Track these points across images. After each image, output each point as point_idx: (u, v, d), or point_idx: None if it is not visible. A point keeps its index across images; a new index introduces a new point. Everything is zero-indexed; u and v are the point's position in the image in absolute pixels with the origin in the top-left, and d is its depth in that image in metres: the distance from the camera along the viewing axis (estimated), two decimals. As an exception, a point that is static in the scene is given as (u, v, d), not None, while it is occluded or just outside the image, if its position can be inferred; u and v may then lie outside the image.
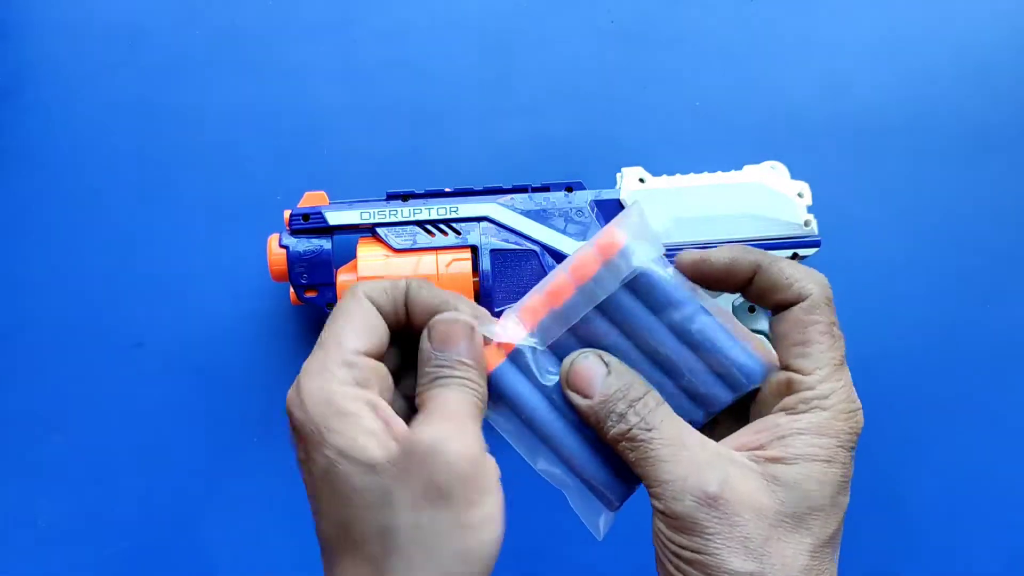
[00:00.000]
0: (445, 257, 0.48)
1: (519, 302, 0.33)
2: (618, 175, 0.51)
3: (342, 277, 0.49)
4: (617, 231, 0.32)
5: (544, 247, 0.49)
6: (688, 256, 0.32)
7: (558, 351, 0.33)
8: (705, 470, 0.28)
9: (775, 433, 0.29)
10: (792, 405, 0.30)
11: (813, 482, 0.28)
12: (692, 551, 0.28)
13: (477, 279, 0.49)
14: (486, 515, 0.28)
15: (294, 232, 0.49)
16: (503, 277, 0.48)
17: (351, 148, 0.55)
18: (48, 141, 0.55)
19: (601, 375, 0.31)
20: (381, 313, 0.31)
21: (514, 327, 0.33)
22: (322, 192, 0.50)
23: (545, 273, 0.49)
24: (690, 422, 0.31)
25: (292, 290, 0.49)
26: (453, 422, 0.29)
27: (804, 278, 0.31)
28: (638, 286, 0.31)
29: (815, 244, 0.50)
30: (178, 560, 0.52)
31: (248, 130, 0.55)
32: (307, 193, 0.50)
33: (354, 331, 0.30)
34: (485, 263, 0.48)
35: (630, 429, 0.30)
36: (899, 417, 0.53)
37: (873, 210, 0.54)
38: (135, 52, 0.56)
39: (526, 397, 0.32)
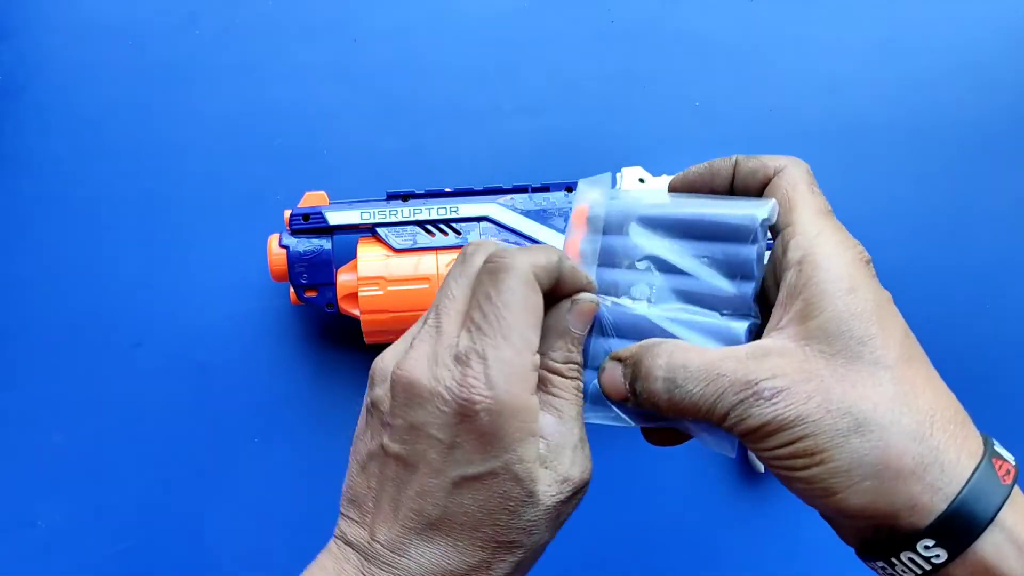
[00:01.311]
0: (445, 257, 0.48)
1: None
2: (618, 175, 0.51)
3: (342, 277, 0.49)
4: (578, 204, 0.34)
5: (544, 247, 0.49)
6: (674, 178, 0.34)
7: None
8: (751, 380, 0.28)
9: (791, 294, 0.29)
10: (796, 260, 0.29)
11: (847, 317, 0.28)
12: (788, 446, 0.27)
13: (477, 279, 0.48)
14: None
15: (294, 232, 0.49)
16: (503, 277, 0.48)
17: (351, 148, 0.55)
18: (48, 141, 0.55)
19: (619, 374, 0.31)
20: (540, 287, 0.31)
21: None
22: (322, 192, 0.50)
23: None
24: (744, 295, 0.31)
25: (292, 290, 0.49)
26: (587, 457, 0.31)
27: (778, 157, 0.32)
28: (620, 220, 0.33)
29: (815, 244, 0.50)
30: (178, 560, 0.52)
31: (248, 130, 0.55)
32: (307, 193, 0.50)
33: (534, 325, 0.30)
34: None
35: (663, 396, 0.29)
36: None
37: (873, 210, 0.54)
38: (135, 52, 0.56)
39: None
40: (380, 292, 0.47)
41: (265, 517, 0.52)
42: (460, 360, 0.29)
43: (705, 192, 0.34)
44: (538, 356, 0.30)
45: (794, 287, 0.29)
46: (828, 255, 0.29)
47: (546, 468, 0.29)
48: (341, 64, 0.56)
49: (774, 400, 0.27)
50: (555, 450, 0.30)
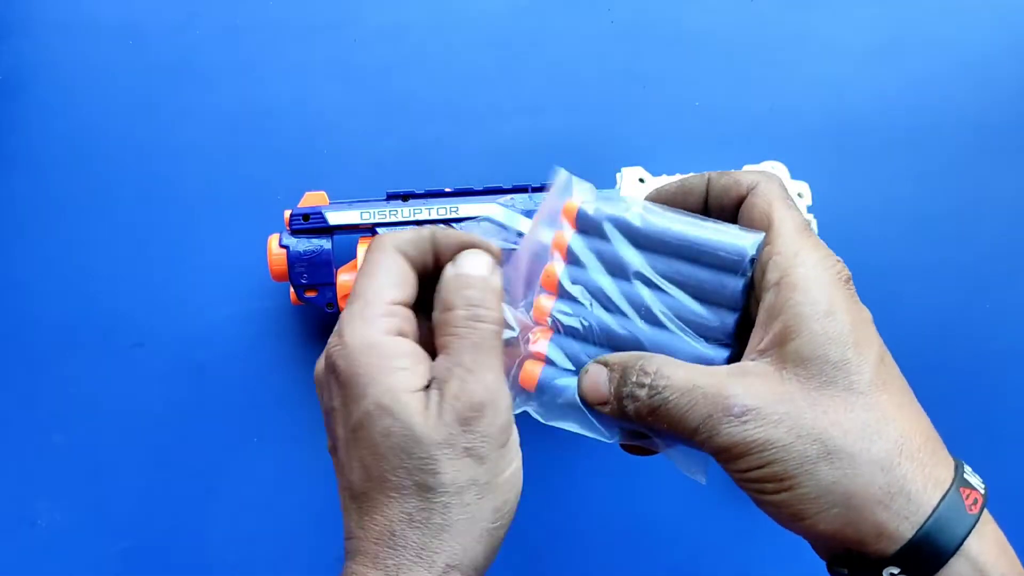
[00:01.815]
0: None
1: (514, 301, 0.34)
2: (618, 175, 0.51)
3: (342, 277, 0.49)
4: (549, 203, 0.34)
5: (544, 247, 0.49)
6: (648, 195, 0.34)
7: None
8: (724, 396, 0.28)
9: (770, 315, 0.29)
10: (774, 282, 0.29)
11: (823, 341, 0.28)
12: (757, 469, 0.28)
13: (477, 279, 0.48)
14: (514, 472, 0.30)
15: (294, 232, 0.49)
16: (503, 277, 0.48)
17: (351, 148, 0.55)
18: (48, 141, 0.55)
19: (604, 379, 0.31)
20: (410, 264, 0.32)
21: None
22: (322, 192, 0.50)
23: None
24: (725, 326, 0.32)
25: (292, 290, 0.49)
26: (490, 382, 0.29)
27: (750, 173, 0.32)
28: (594, 226, 0.33)
29: (815, 244, 0.50)
30: (178, 560, 0.52)
31: (248, 130, 0.55)
32: (307, 193, 0.50)
33: (391, 282, 0.31)
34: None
35: (646, 402, 0.29)
36: (899, 417, 0.53)
37: (873, 210, 0.54)
38: (135, 52, 0.56)
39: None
40: (380, 292, 0.47)
41: (265, 517, 0.52)
42: (333, 335, 0.30)
43: (676, 200, 0.34)
44: (397, 305, 0.30)
45: (772, 309, 0.29)
46: (806, 276, 0.29)
47: (427, 395, 0.29)
48: (341, 64, 0.56)
49: (744, 419, 0.28)
50: (441, 378, 0.29)
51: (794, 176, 0.51)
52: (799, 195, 0.50)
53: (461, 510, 0.28)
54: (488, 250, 0.32)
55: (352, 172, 0.55)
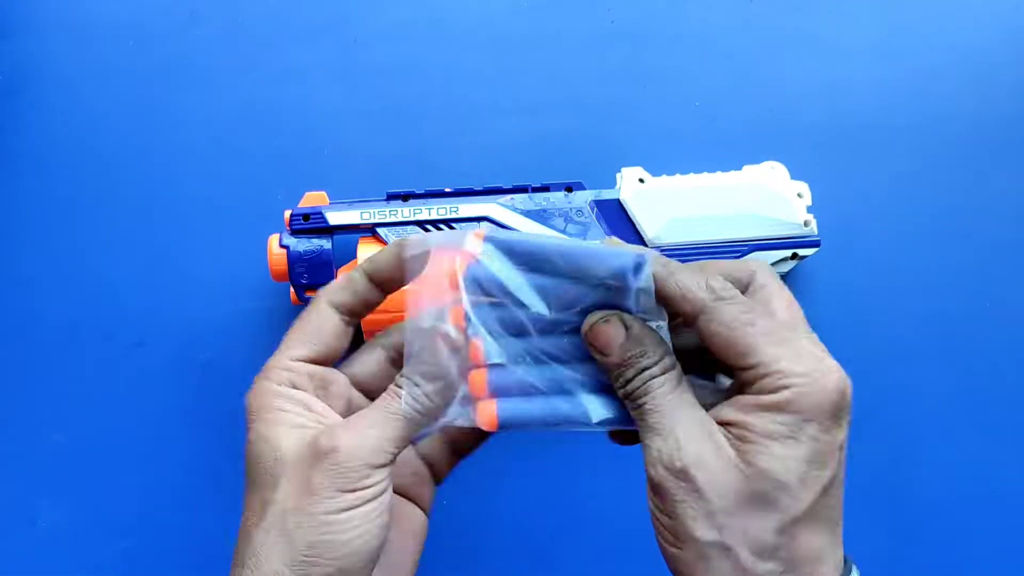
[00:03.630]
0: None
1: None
2: (618, 175, 0.51)
3: (342, 277, 0.49)
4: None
5: (544, 247, 0.49)
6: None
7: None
8: (684, 445, 0.30)
9: (744, 409, 0.30)
10: (757, 386, 0.30)
11: (774, 461, 0.29)
12: (664, 514, 0.30)
13: (477, 279, 0.49)
14: (350, 516, 0.30)
15: (294, 232, 0.49)
16: (503, 277, 0.48)
17: (351, 148, 0.55)
18: (48, 140, 0.56)
19: (620, 338, 0.32)
20: (345, 310, 0.35)
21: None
22: (322, 192, 0.50)
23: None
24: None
25: (292, 290, 0.49)
26: (352, 432, 0.31)
27: (688, 285, 0.32)
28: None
29: (815, 244, 0.50)
30: (178, 560, 0.52)
31: (248, 130, 0.55)
32: (307, 193, 0.50)
33: (299, 339, 0.35)
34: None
35: (633, 393, 0.32)
36: (899, 417, 0.53)
37: (873, 210, 0.54)
38: (136, 51, 0.56)
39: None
40: (380, 292, 0.47)
41: (265, 517, 0.52)
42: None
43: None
44: (293, 359, 0.34)
45: (749, 408, 0.30)
46: (782, 407, 0.30)
47: (301, 432, 0.32)
48: (341, 64, 0.56)
49: (680, 485, 0.30)
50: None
51: (794, 176, 0.51)
52: (799, 195, 0.50)
53: (280, 534, 0.31)
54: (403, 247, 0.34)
55: (352, 172, 0.55)
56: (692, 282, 0.31)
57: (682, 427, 0.30)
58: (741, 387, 0.31)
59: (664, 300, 0.32)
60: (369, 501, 0.31)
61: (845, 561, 0.31)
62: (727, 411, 0.31)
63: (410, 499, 0.38)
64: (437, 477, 0.39)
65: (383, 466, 0.31)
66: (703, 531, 0.29)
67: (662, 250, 0.49)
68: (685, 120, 0.55)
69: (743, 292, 0.33)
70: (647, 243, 0.49)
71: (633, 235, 0.50)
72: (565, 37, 0.56)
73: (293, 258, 0.48)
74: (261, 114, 0.55)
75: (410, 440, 0.33)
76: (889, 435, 0.52)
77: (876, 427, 0.52)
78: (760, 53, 0.56)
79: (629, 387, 0.32)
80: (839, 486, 0.31)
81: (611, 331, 0.32)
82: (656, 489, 0.31)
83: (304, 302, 0.49)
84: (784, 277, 0.51)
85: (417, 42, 0.56)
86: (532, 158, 0.55)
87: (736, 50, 0.56)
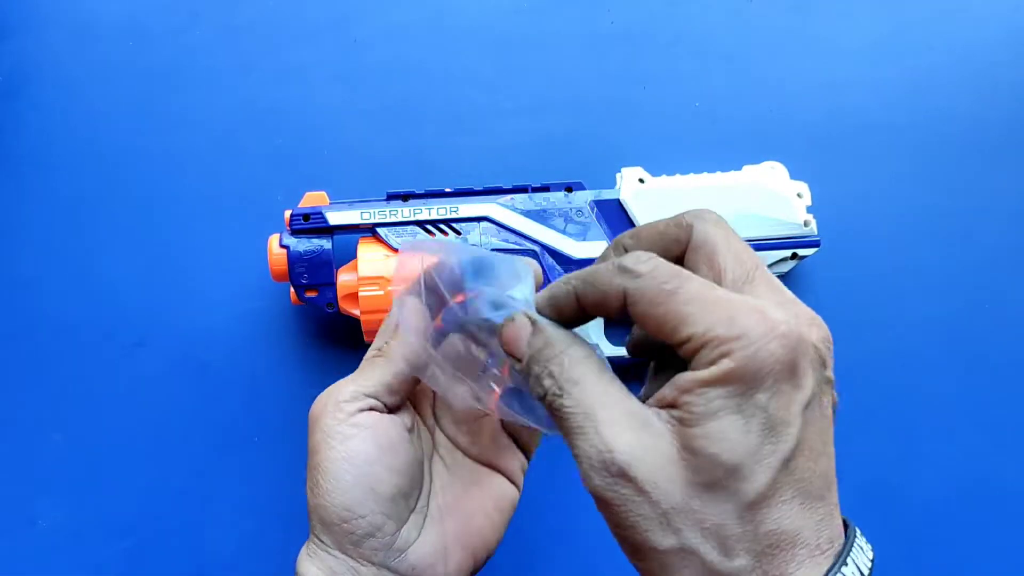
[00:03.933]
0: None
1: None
2: (618, 175, 0.51)
3: (342, 277, 0.49)
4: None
5: (544, 247, 0.49)
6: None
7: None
8: (614, 442, 0.26)
9: (682, 388, 0.26)
10: (694, 361, 0.26)
11: (720, 442, 0.25)
12: (617, 527, 0.27)
13: (477, 279, 0.49)
14: (324, 460, 0.34)
15: (294, 232, 0.49)
16: (503, 277, 0.48)
17: (351, 148, 0.55)
18: (48, 141, 0.56)
19: (526, 335, 0.30)
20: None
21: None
22: (322, 192, 0.50)
23: (545, 272, 0.49)
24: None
25: (292, 290, 0.49)
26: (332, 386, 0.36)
27: (601, 281, 0.28)
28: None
29: (814, 244, 0.50)
30: (178, 560, 0.52)
31: (248, 130, 0.55)
32: (307, 193, 0.50)
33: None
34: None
35: (546, 394, 0.28)
36: (899, 417, 0.53)
37: (873, 210, 0.54)
38: (135, 52, 0.56)
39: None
40: (380, 292, 0.47)
41: (265, 517, 0.52)
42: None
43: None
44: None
45: (687, 383, 0.26)
46: (723, 378, 0.26)
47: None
48: (341, 64, 0.56)
49: (616, 481, 0.26)
50: None
51: (794, 176, 0.51)
52: (799, 195, 0.50)
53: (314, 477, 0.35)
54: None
55: (352, 172, 0.55)
56: (604, 276, 0.28)
57: (609, 423, 0.27)
58: (685, 364, 0.27)
59: (592, 310, 0.29)
60: (351, 439, 0.34)
61: (846, 529, 0.27)
62: (666, 392, 0.27)
63: (500, 471, 0.39)
64: (525, 452, 0.40)
65: (362, 411, 0.35)
66: (659, 538, 0.26)
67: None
68: (685, 120, 0.55)
69: (683, 253, 0.30)
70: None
71: (633, 235, 0.50)
72: (565, 37, 0.56)
73: (293, 258, 0.48)
74: (261, 114, 0.55)
75: (390, 386, 0.36)
76: (889, 435, 0.52)
77: (876, 427, 0.52)
78: (760, 53, 0.56)
79: (542, 388, 0.29)
80: (811, 452, 0.26)
81: (515, 329, 0.30)
82: (599, 501, 0.27)
83: (305, 302, 0.49)
84: (784, 277, 0.51)
85: (417, 42, 0.56)
86: (532, 158, 0.55)
87: (736, 50, 0.56)
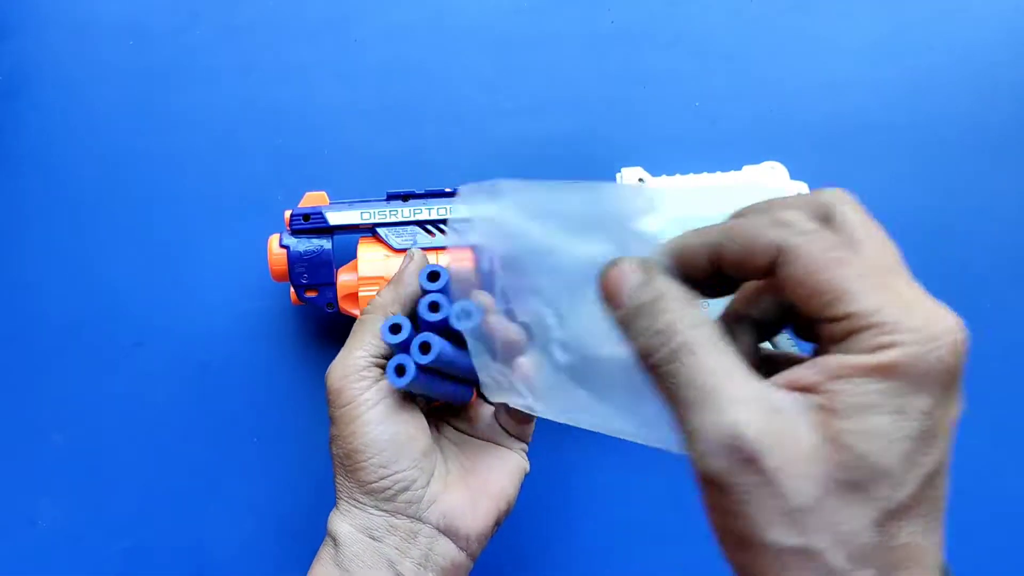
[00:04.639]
0: (445, 257, 0.48)
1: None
2: (618, 175, 0.51)
3: (342, 277, 0.49)
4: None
5: (544, 247, 0.49)
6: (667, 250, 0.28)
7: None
8: (745, 423, 0.23)
9: (831, 372, 0.23)
10: (849, 343, 0.23)
11: (874, 440, 0.22)
12: (725, 515, 0.24)
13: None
14: (357, 424, 0.38)
15: (294, 232, 0.49)
16: (503, 277, 0.48)
17: (351, 148, 0.55)
18: (49, 140, 0.56)
19: (632, 284, 0.26)
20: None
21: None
22: (322, 192, 0.50)
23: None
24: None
25: (292, 290, 0.49)
26: (336, 362, 0.39)
27: (753, 230, 0.25)
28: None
29: (815, 244, 0.50)
30: (178, 560, 0.52)
31: (248, 130, 0.55)
32: (307, 193, 0.50)
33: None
34: (485, 263, 0.48)
35: (650, 355, 0.25)
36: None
37: (872, 210, 0.54)
38: (135, 52, 0.56)
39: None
40: (380, 292, 0.47)
41: (265, 517, 0.52)
42: None
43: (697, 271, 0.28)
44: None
45: (843, 369, 0.23)
46: (887, 371, 0.23)
47: None
48: (341, 64, 0.56)
49: (741, 467, 0.23)
50: None
51: (794, 176, 0.51)
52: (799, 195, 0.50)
53: (332, 458, 0.40)
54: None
55: (352, 172, 0.55)
56: (758, 227, 0.25)
57: (735, 400, 0.23)
58: (826, 345, 0.24)
59: (728, 268, 0.26)
60: (379, 403, 0.38)
61: (944, 570, 0.26)
62: (805, 374, 0.24)
63: (505, 447, 0.43)
64: (520, 438, 0.44)
65: (378, 379, 0.39)
66: (780, 534, 0.23)
67: (662, 250, 0.49)
68: (685, 120, 0.55)
69: None
70: (647, 243, 0.49)
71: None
72: (565, 37, 0.56)
73: (293, 258, 0.48)
74: (261, 114, 0.55)
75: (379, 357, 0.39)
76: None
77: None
78: (760, 53, 0.56)
79: (648, 348, 0.25)
80: (946, 473, 0.24)
81: (619, 275, 0.26)
82: (711, 483, 0.24)
83: (305, 302, 0.49)
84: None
85: (417, 42, 0.56)
86: (532, 158, 0.55)
87: (736, 50, 0.56)
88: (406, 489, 0.38)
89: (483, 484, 0.41)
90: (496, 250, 0.31)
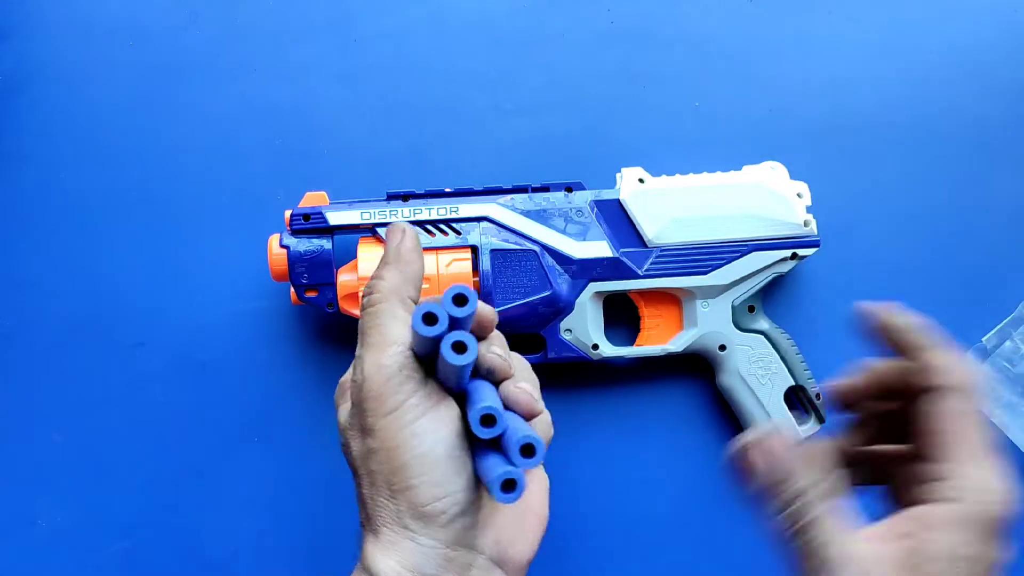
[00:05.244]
0: (445, 257, 0.48)
1: None
2: (618, 175, 0.51)
3: (343, 277, 0.49)
4: None
5: (544, 247, 0.49)
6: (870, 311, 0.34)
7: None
8: None
9: (920, 522, 0.29)
10: (929, 494, 0.30)
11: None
12: None
13: (477, 279, 0.49)
14: (404, 439, 0.32)
15: (295, 232, 0.49)
16: (503, 277, 0.48)
17: (351, 148, 0.55)
18: (49, 140, 0.55)
19: (781, 458, 0.31)
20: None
21: None
22: (322, 192, 0.50)
23: (545, 272, 0.49)
24: None
25: (292, 290, 0.49)
26: (368, 361, 0.34)
27: (951, 369, 0.31)
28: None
29: (814, 244, 0.50)
30: (178, 560, 0.52)
31: (248, 130, 0.55)
32: (307, 193, 0.50)
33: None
34: (485, 263, 0.48)
35: (796, 525, 0.30)
36: (898, 417, 0.53)
37: (873, 210, 0.54)
38: (135, 52, 0.56)
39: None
40: (380, 292, 0.47)
41: (265, 517, 0.52)
42: None
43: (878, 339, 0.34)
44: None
45: (929, 520, 0.29)
46: (964, 522, 0.29)
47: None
48: (341, 64, 0.56)
49: None
50: None
51: (794, 176, 0.51)
52: (799, 195, 0.50)
53: (366, 476, 0.33)
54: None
55: (352, 172, 0.55)
56: (903, 368, 0.32)
57: (842, 563, 0.29)
58: (903, 484, 0.31)
59: (881, 390, 0.34)
60: (425, 413, 0.33)
61: None
62: (902, 526, 0.29)
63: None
64: None
65: (408, 382, 0.33)
66: None
67: (662, 250, 0.49)
68: (685, 120, 0.55)
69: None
70: (647, 243, 0.49)
71: (633, 235, 0.50)
72: (565, 37, 0.56)
73: (293, 258, 0.48)
74: (261, 114, 0.55)
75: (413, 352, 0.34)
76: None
77: (876, 427, 0.52)
78: (759, 53, 0.56)
79: (790, 517, 0.30)
80: None
81: (770, 448, 0.31)
82: None
83: (305, 302, 0.49)
84: (784, 277, 0.51)
85: (417, 42, 0.56)
86: (532, 158, 0.55)
87: (735, 50, 0.56)
88: (463, 513, 0.33)
89: (526, 502, 0.37)
90: None
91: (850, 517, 0.30)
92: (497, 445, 0.32)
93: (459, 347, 0.31)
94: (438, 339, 0.31)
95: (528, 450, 0.30)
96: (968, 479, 0.29)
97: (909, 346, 0.33)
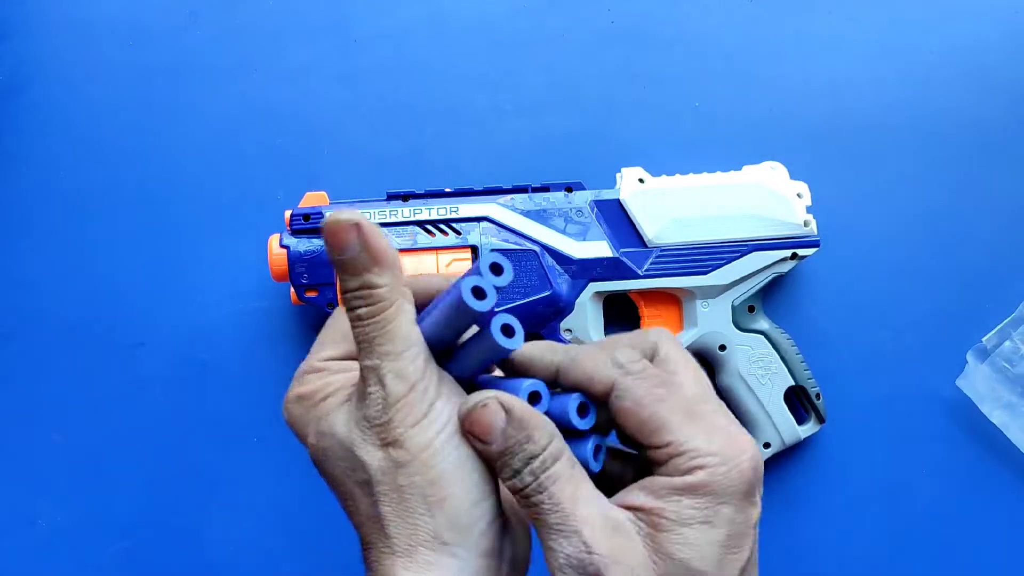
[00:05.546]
0: (445, 257, 0.48)
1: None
2: (618, 175, 0.51)
3: (342, 277, 0.49)
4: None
5: (544, 247, 0.49)
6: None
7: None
8: (593, 544, 0.28)
9: (655, 495, 0.29)
10: (668, 466, 0.29)
11: (691, 549, 0.28)
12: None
13: (477, 279, 0.49)
14: (436, 452, 0.30)
15: (295, 232, 0.49)
16: (503, 277, 0.48)
17: (351, 148, 0.55)
18: (48, 140, 0.55)
19: (500, 425, 0.29)
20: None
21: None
22: (322, 192, 0.50)
23: (545, 273, 0.49)
24: None
25: (292, 290, 0.49)
26: (385, 370, 0.31)
27: (593, 367, 0.31)
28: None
29: (814, 244, 0.50)
30: (178, 560, 0.52)
31: (248, 130, 0.55)
32: (307, 193, 0.50)
33: (329, 339, 0.35)
34: None
35: (524, 488, 0.29)
36: (897, 418, 0.53)
37: (873, 210, 0.54)
38: (135, 52, 0.56)
39: None
40: (380, 292, 0.47)
41: (265, 517, 0.52)
42: None
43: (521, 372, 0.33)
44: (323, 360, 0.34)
45: (660, 491, 0.29)
46: (696, 489, 0.29)
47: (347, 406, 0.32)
48: (341, 64, 0.56)
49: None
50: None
51: (794, 176, 0.51)
52: (799, 195, 0.50)
53: (390, 493, 0.30)
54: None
55: (352, 172, 0.55)
56: (598, 362, 0.30)
57: (588, 524, 0.28)
58: (651, 466, 0.30)
59: (575, 387, 0.31)
60: (448, 423, 0.31)
61: None
62: (637, 496, 0.29)
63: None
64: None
65: (433, 388, 0.31)
66: None
67: (662, 250, 0.49)
68: (685, 120, 0.55)
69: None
70: (647, 243, 0.49)
71: (633, 235, 0.50)
72: (565, 37, 0.56)
73: (293, 258, 0.48)
74: (261, 114, 0.55)
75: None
76: (888, 435, 0.52)
77: (875, 428, 0.52)
78: (760, 53, 0.56)
79: (518, 481, 0.29)
80: (755, 565, 0.30)
81: (489, 416, 0.29)
82: None
83: (305, 302, 0.49)
84: (784, 277, 0.51)
85: (417, 42, 0.56)
86: (532, 158, 0.55)
87: (736, 50, 0.56)
88: (495, 519, 0.31)
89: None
90: None
91: (587, 479, 0.30)
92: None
93: (508, 330, 0.29)
94: (474, 321, 0.30)
95: (508, 330, 0.29)
96: (696, 446, 0.29)
97: (548, 376, 0.32)
